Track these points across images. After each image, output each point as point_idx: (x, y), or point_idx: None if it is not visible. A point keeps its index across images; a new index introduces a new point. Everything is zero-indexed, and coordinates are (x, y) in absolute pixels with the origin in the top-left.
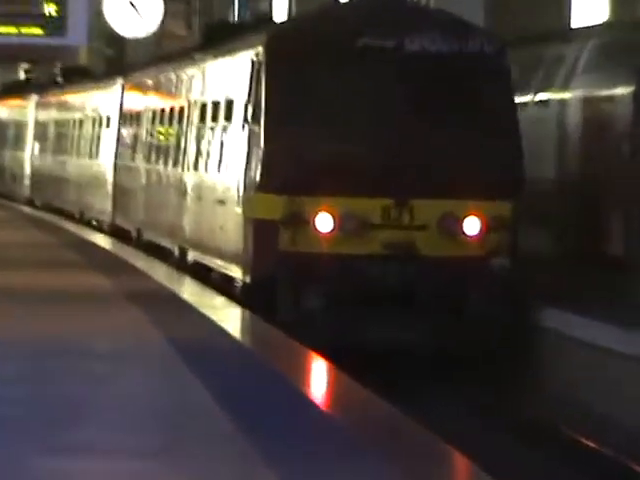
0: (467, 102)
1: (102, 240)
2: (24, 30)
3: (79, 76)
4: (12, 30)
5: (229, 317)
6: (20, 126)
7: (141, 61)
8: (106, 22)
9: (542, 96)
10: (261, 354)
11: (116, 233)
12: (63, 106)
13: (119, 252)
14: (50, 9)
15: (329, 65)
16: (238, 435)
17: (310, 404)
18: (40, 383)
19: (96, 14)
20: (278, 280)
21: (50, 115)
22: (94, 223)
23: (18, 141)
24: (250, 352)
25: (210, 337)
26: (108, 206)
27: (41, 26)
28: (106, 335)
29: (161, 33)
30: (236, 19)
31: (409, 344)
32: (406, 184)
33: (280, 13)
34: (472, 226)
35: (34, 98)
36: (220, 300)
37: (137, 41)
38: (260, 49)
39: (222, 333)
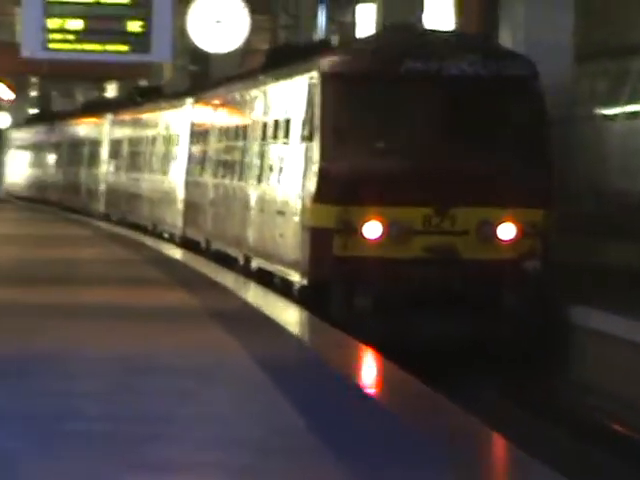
0: (502, 120)
1: (184, 256)
2: (108, 47)
3: (153, 95)
4: (97, 47)
5: (313, 333)
6: (96, 144)
7: (227, 76)
8: (190, 38)
9: (632, 108)
10: (344, 370)
11: (186, 244)
12: (136, 124)
13: (202, 268)
14: (134, 26)
15: (377, 87)
16: (324, 450)
17: (393, 417)
18: (126, 400)
19: (180, 31)
20: (332, 282)
21: (124, 133)
22: (166, 235)
23: (94, 158)
24: (333, 370)
25: (295, 354)
26: (179, 219)
27: (125, 43)
28: (190, 352)
29: (246, 48)
30: (322, 32)
31: (452, 342)
32: (447, 194)
33: (365, 27)
34: (507, 232)
35: (109, 117)
36: (305, 316)
37: (221, 57)
38: (315, 73)
39: (306, 350)
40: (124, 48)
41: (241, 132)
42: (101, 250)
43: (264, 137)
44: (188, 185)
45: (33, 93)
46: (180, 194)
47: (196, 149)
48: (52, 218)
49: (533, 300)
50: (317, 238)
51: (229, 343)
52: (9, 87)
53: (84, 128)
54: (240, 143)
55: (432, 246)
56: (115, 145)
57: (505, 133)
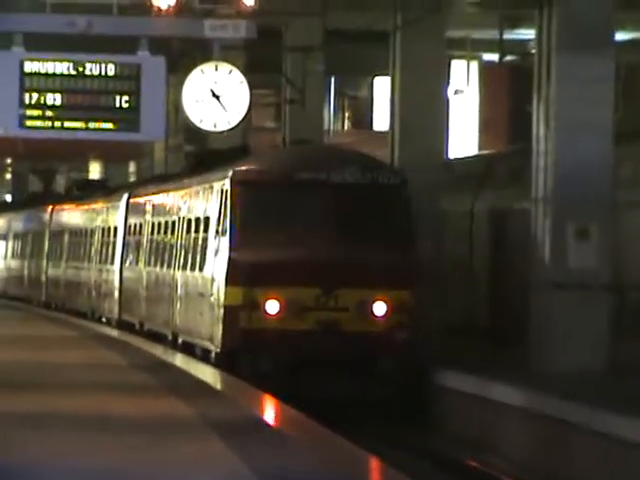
0: (376, 219)
1: (178, 360)
2: (92, 125)
3: (94, 188)
4: (78, 125)
5: (324, 446)
6: (38, 235)
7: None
8: (185, 115)
9: None
10: None
11: (121, 326)
12: (75, 216)
13: (197, 373)
14: (122, 101)
15: (276, 193)
16: None
17: None
18: None
19: (174, 106)
20: (239, 350)
21: (64, 225)
22: (104, 320)
23: (36, 249)
24: None
25: (304, 470)
26: (115, 304)
27: (111, 120)
28: (187, 471)
29: (247, 126)
30: (331, 108)
31: (338, 396)
32: (332, 278)
33: (382, 99)
34: (380, 309)
35: (49, 209)
36: (312, 425)
37: (220, 135)
38: (227, 181)
39: (316, 465)
40: (110, 126)
41: (170, 226)
42: (83, 353)
43: (188, 231)
44: (123, 273)
45: (7, 176)
46: (116, 281)
47: (130, 240)
48: (22, 316)
49: (403, 364)
50: (227, 314)
51: (229, 457)
52: None
53: (28, 219)
54: (168, 236)
55: (321, 320)
56: (56, 236)
57: (378, 230)
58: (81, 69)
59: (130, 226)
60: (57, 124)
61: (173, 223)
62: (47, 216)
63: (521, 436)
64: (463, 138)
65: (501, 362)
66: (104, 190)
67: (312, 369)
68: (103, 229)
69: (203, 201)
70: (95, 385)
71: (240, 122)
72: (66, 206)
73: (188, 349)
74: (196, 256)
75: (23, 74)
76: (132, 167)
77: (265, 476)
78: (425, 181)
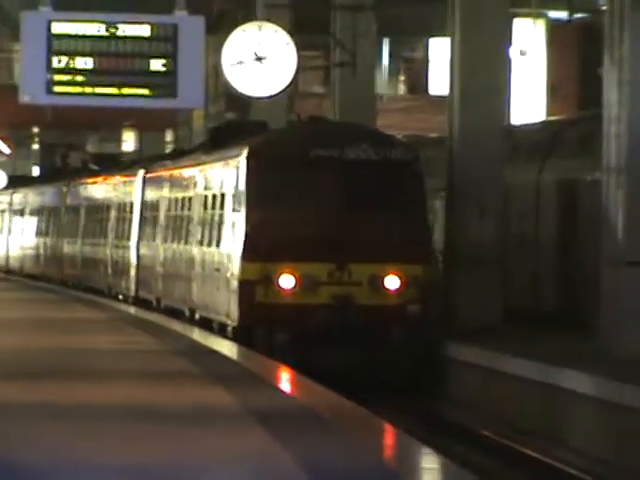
0: (389, 195)
1: (218, 345)
2: (125, 91)
3: (110, 163)
4: (111, 91)
5: (373, 435)
6: (54, 211)
7: (269, 125)
8: (226, 80)
9: None
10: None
11: (138, 303)
12: (91, 192)
13: (239, 359)
14: (157, 64)
15: (291, 169)
16: None
17: None
18: None
19: (214, 70)
20: (255, 324)
21: (80, 201)
22: (120, 297)
23: (54, 226)
24: (394, 473)
25: (353, 460)
26: (132, 281)
27: (146, 86)
28: (228, 463)
29: (293, 91)
30: (385, 71)
31: (351, 369)
32: (345, 253)
33: (439, 64)
34: (392, 283)
35: (64, 185)
36: (363, 413)
37: (265, 102)
38: (242, 157)
39: (365, 454)
40: (144, 92)
41: (186, 202)
42: (115, 338)
43: (205, 208)
44: (140, 250)
45: (35, 146)
46: (133, 258)
47: (147, 216)
48: (52, 298)
49: (415, 336)
50: (243, 289)
51: (275, 449)
52: (4, 140)
53: (44, 194)
54: (185, 212)
55: (334, 294)
56: (72, 212)
57: (391, 205)
58: (113, 30)
59: (146, 202)
60: (88, 90)
61: (190, 199)
62: (63, 192)
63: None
64: (528, 103)
65: (571, 347)
66: (121, 165)
67: (326, 342)
68: (119, 205)
69: (219, 177)
70: (129, 373)
71: (286, 87)
72: (81, 181)
73: (205, 324)
74: (213, 232)
75: (51, 36)
76: (169, 136)
77: (313, 469)
78: (486, 150)
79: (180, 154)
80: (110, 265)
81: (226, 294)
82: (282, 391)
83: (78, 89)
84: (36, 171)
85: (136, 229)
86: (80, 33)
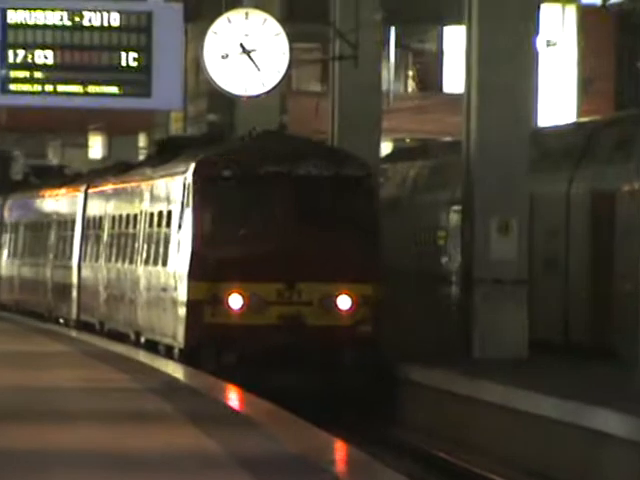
0: (340, 212)
1: (195, 380)
2: (92, 89)
3: (53, 175)
4: (75, 89)
5: None
6: None
7: (258, 127)
8: (208, 76)
9: None
10: None
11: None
12: (30, 208)
13: (219, 397)
14: (129, 59)
15: (239, 186)
16: None
17: None
18: None
19: (193, 66)
20: (203, 344)
21: (18, 217)
22: (61, 321)
23: None
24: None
25: None
26: (73, 303)
27: (116, 83)
28: None
29: (285, 89)
30: (392, 65)
31: (298, 390)
32: (295, 272)
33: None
34: (344, 303)
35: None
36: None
37: (252, 102)
38: (189, 174)
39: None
40: (114, 90)
41: (131, 220)
42: (81, 373)
43: (150, 225)
44: (82, 270)
45: None
46: (74, 279)
47: (89, 234)
48: (7, 328)
49: (366, 358)
50: (190, 309)
51: None
52: None
53: None
54: (130, 230)
55: (284, 314)
56: (9, 230)
57: (342, 222)
58: (78, 19)
59: (89, 219)
60: (48, 88)
61: (135, 216)
62: None
63: None
64: (557, 102)
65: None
66: (63, 178)
67: (276, 363)
68: (60, 222)
69: (165, 193)
70: (97, 414)
71: (277, 84)
72: (20, 196)
73: (152, 348)
74: (158, 251)
75: (5, 25)
76: (142, 141)
77: None
78: (508, 156)
79: (125, 168)
80: (50, 287)
81: (173, 315)
82: (269, 434)
83: (37, 87)
84: None
85: (77, 248)
86: (39, 22)
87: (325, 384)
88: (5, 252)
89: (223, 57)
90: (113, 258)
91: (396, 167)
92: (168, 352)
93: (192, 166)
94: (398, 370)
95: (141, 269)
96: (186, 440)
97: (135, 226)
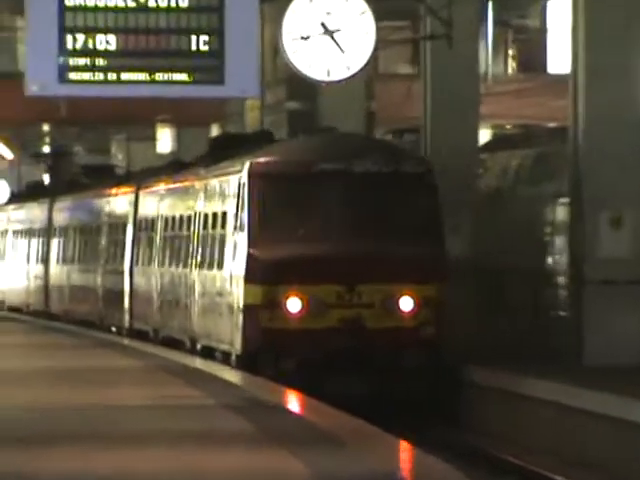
0: (401, 210)
1: (277, 396)
2: (159, 77)
3: (104, 174)
4: (142, 77)
5: None
6: (38, 233)
7: (341, 116)
8: (287, 60)
9: None
10: None
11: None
12: (79, 211)
13: (304, 414)
14: (200, 42)
15: (295, 185)
16: None
17: None
18: None
19: (271, 49)
20: (260, 350)
21: (70, 221)
22: (113, 329)
23: (38, 250)
24: None
25: None
26: (126, 311)
27: (185, 70)
28: None
29: (372, 73)
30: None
31: (360, 395)
32: (355, 274)
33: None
34: (406, 304)
35: (48, 202)
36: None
37: (336, 88)
38: (244, 174)
39: None
40: (183, 77)
41: (185, 221)
42: (151, 391)
43: (205, 227)
44: (134, 275)
45: (46, 149)
46: (126, 285)
47: (141, 237)
48: (69, 342)
49: (430, 361)
50: (247, 314)
51: None
52: (6, 142)
53: (27, 214)
54: (184, 232)
55: (344, 317)
56: (58, 234)
57: (404, 221)
58: (143, 0)
59: (140, 221)
60: (111, 76)
61: (188, 217)
62: (46, 210)
63: None
64: None
65: None
66: (114, 178)
67: (337, 368)
68: (110, 225)
69: (220, 195)
70: (172, 435)
71: (363, 68)
72: (67, 198)
73: (208, 354)
74: (214, 253)
75: (63, 8)
76: (215, 133)
77: None
78: (620, 143)
79: (178, 167)
80: (101, 294)
81: (229, 320)
82: (361, 454)
83: (99, 76)
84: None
85: (129, 252)
86: (100, 4)
87: (387, 388)
88: (54, 258)
89: (303, 38)
90: (166, 262)
91: (496, 157)
92: (225, 359)
93: (247, 165)
94: (503, 381)
95: (196, 273)
96: (269, 462)
97: (189, 228)
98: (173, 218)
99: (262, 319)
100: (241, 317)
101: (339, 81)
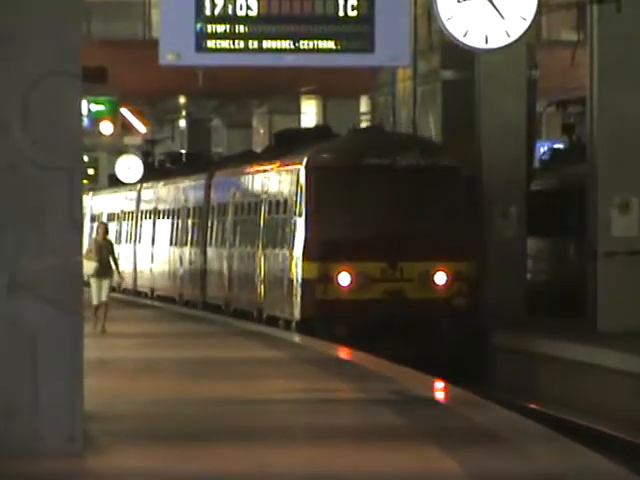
0: (438, 199)
1: (430, 389)
2: (305, 44)
3: (192, 160)
4: (285, 45)
5: None
6: (125, 217)
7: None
8: (441, 25)
9: None
10: None
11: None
12: (161, 195)
13: (464, 411)
14: (348, 7)
15: (346, 177)
16: None
17: None
18: None
19: (424, 13)
20: (316, 318)
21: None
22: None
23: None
24: None
25: None
26: (198, 285)
27: (334, 37)
28: None
29: (534, 40)
30: None
31: (405, 356)
32: (397, 253)
33: None
34: (440, 278)
35: (138, 186)
36: None
37: (495, 56)
38: (302, 166)
39: None
40: (330, 45)
41: (253, 207)
42: (299, 384)
43: (270, 212)
44: (210, 254)
45: (182, 124)
46: (200, 262)
47: (214, 221)
48: (209, 330)
49: (461, 326)
50: (305, 286)
51: None
52: (139, 116)
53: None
54: (252, 216)
55: (387, 290)
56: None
57: (440, 208)
58: None
59: (213, 206)
60: (252, 44)
61: (256, 204)
62: (136, 194)
63: None
64: None
65: None
66: (195, 165)
67: (382, 333)
68: (187, 210)
69: (282, 184)
70: (323, 431)
71: (524, 34)
72: (153, 183)
73: (273, 322)
74: (278, 235)
75: None
76: (364, 105)
77: None
78: None
79: (248, 157)
80: (182, 269)
81: (290, 292)
82: (519, 453)
83: (239, 44)
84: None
85: (201, 234)
86: None
87: (425, 350)
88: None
89: (459, 2)
90: (236, 243)
91: None
92: (287, 326)
93: (304, 159)
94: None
95: (262, 252)
96: (424, 461)
97: (256, 212)
98: (242, 204)
99: (317, 291)
100: (300, 290)
101: (498, 48)
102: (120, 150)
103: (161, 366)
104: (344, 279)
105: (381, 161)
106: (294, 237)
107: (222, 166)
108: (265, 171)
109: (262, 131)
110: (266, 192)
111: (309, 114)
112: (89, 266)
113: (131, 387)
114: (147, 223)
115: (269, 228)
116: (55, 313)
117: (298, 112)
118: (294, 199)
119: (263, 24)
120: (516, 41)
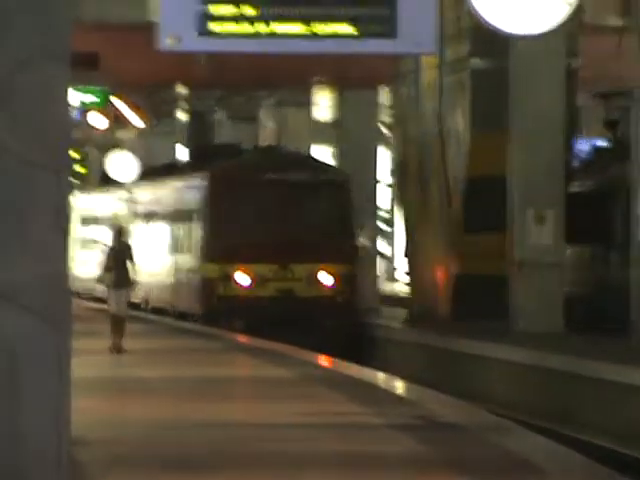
0: (322, 209)
1: (456, 413)
2: (319, 29)
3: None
4: (297, 29)
5: None
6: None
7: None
8: (470, 9)
9: None
10: None
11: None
12: (98, 204)
13: (492, 438)
14: None
15: (244, 188)
16: None
17: None
18: None
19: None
20: (217, 313)
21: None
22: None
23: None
24: None
25: None
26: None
27: (352, 21)
28: None
29: (576, 26)
30: None
31: (293, 343)
32: (287, 256)
33: None
34: (325, 279)
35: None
36: None
37: (531, 43)
38: (206, 177)
39: None
40: (348, 30)
41: (167, 216)
42: (306, 406)
43: (180, 220)
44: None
45: (183, 116)
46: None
47: (136, 228)
48: (208, 347)
49: (343, 322)
50: (207, 284)
51: None
52: (135, 109)
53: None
54: (166, 224)
55: (279, 288)
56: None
57: (324, 217)
58: None
59: (136, 215)
60: (261, 28)
61: (170, 213)
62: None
63: None
64: None
65: None
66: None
67: (274, 327)
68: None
69: (190, 194)
70: (332, 459)
71: (564, 19)
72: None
73: (182, 316)
74: (186, 240)
75: None
76: (384, 98)
77: None
78: None
79: (157, 171)
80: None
81: (194, 289)
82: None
83: (247, 27)
84: (182, 153)
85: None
86: None
87: (312, 343)
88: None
89: None
90: (152, 248)
91: None
92: (191, 318)
93: (208, 171)
94: None
95: (172, 256)
96: None
97: (171, 220)
98: (157, 213)
99: (217, 289)
100: (202, 287)
101: (535, 35)
102: (113, 145)
103: (155, 387)
104: (241, 278)
105: (275, 176)
106: (198, 241)
107: (144, 177)
108: (178, 182)
109: (270, 124)
110: (179, 202)
111: (322, 106)
112: (108, 277)
113: (124, 408)
114: (87, 230)
115: (179, 234)
116: (40, 326)
117: (309, 104)
118: (199, 208)
119: (273, 6)
120: (555, 26)
